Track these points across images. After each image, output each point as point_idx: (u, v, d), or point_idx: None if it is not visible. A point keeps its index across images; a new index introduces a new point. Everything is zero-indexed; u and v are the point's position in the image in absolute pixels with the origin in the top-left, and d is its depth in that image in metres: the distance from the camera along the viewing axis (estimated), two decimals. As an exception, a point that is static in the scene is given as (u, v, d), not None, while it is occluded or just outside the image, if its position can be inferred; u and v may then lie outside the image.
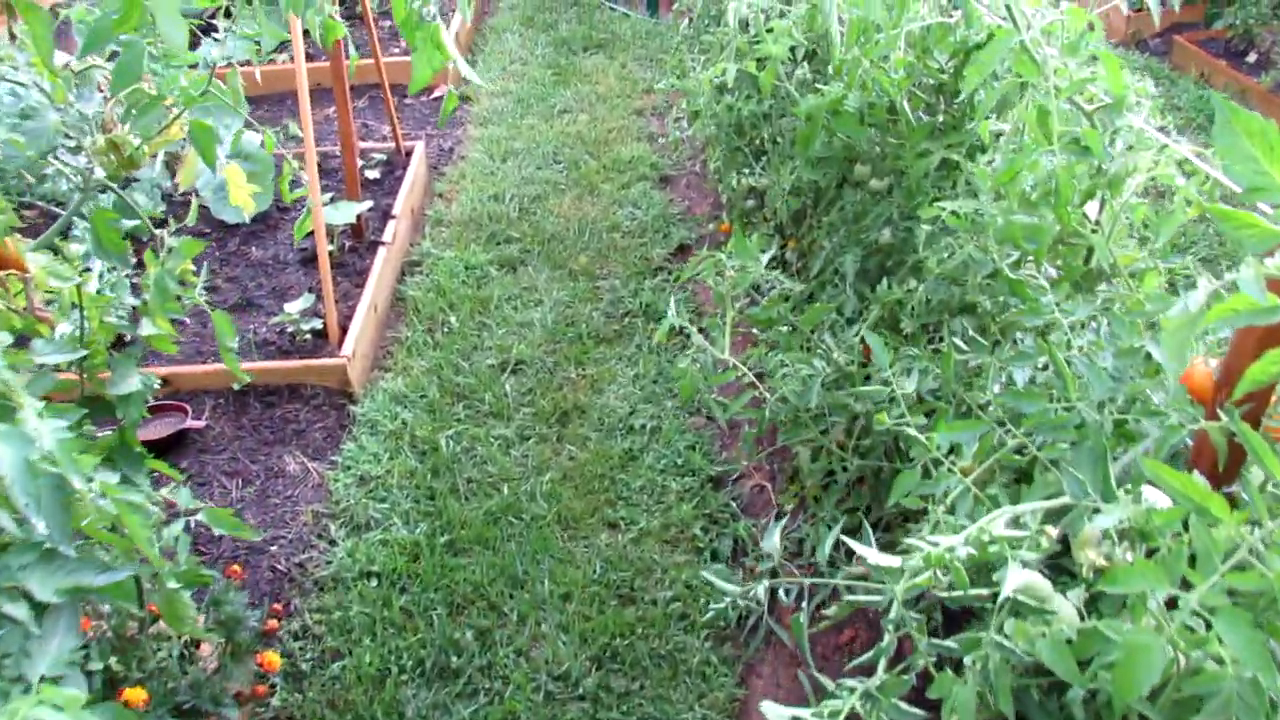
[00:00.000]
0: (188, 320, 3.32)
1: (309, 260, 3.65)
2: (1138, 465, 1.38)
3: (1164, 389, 1.45)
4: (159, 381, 2.02)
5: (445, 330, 3.47)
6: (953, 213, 1.87)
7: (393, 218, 3.83)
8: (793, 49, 2.47)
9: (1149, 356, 1.49)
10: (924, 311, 1.98)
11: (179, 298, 1.90)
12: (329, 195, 3.79)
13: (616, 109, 4.97)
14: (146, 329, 1.89)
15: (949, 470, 1.54)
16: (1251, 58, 4.87)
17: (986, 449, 1.52)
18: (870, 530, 1.72)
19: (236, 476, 2.89)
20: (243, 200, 2.35)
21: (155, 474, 1.94)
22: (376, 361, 3.36)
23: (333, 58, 3.52)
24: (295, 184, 2.75)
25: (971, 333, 1.89)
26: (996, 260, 1.82)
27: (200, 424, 3.02)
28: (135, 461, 1.84)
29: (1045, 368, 1.66)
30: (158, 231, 1.90)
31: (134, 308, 2.67)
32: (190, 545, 1.98)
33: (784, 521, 2.58)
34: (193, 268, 1.94)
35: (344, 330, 3.24)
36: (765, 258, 2.24)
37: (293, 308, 3.31)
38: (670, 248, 3.89)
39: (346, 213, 3.52)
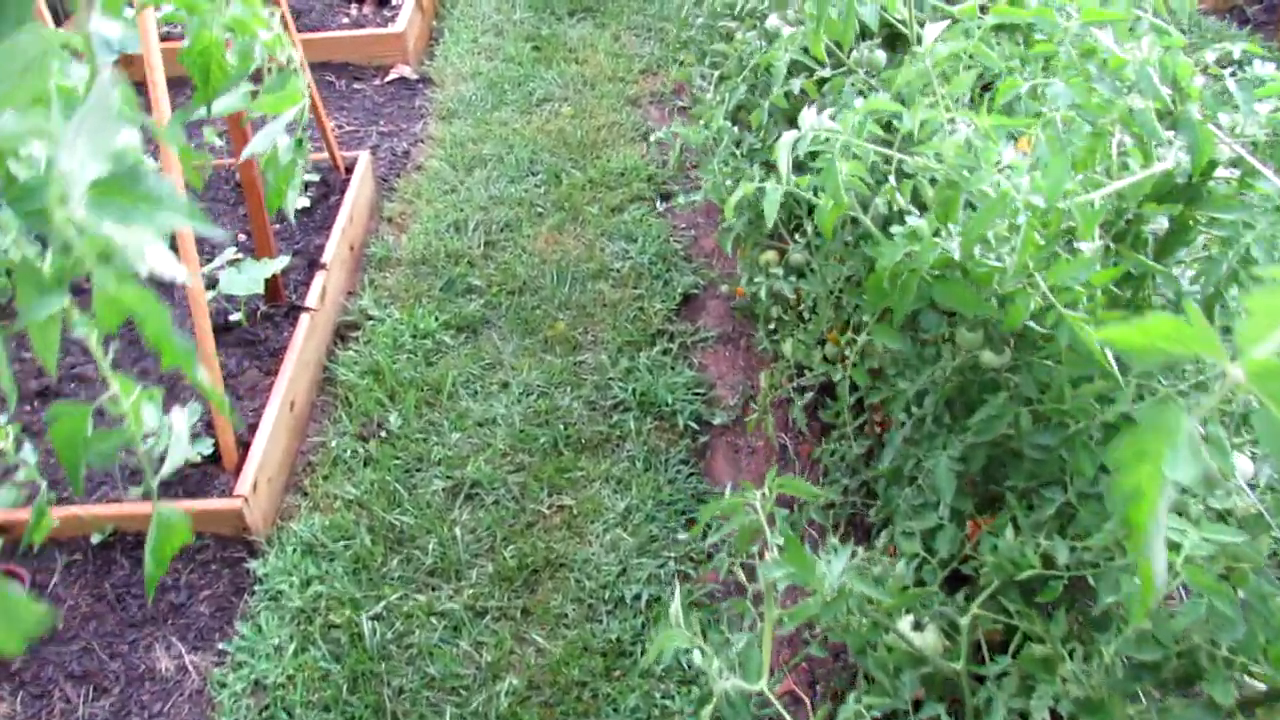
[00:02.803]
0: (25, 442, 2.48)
1: (215, 333, 2.78)
2: None
3: None
4: None
5: (383, 435, 2.63)
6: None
7: (321, 268, 2.95)
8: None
9: None
10: (1121, 678, 1.14)
11: None
12: (231, 250, 2.90)
13: (607, 97, 4.03)
14: None
15: None
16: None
17: None
18: None
19: (87, 681, 2.09)
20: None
21: None
22: (291, 481, 2.54)
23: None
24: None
25: None
26: None
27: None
28: None
29: None
30: None
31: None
32: None
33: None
34: None
35: (246, 448, 2.41)
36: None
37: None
38: (672, 301, 3.02)
39: (252, 278, 2.66)
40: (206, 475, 2.40)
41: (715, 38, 2.77)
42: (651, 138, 3.64)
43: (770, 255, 2.28)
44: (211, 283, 2.75)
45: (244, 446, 2.42)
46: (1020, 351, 1.40)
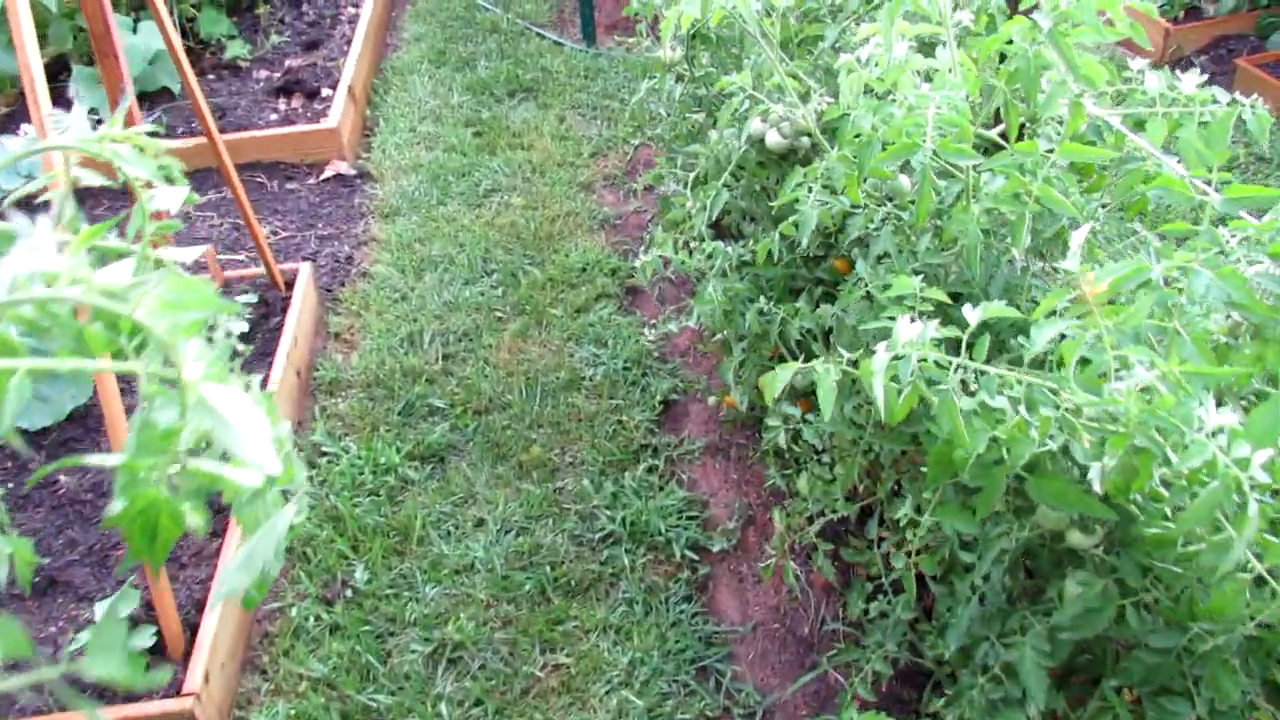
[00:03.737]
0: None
1: (146, 489, 2.48)
2: None
3: None
4: None
5: (349, 594, 2.34)
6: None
7: (267, 403, 2.66)
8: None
9: None
10: None
11: None
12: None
13: (558, 184, 3.81)
14: None
15: None
16: (1325, 79, 3.88)
17: None
18: None
19: None
20: None
21: None
22: (248, 658, 2.23)
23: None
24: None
25: None
26: None
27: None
28: None
29: None
30: None
31: None
32: None
33: None
34: None
35: (194, 631, 2.10)
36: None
37: (124, 607, 2.16)
38: (652, 410, 2.79)
39: (191, 429, 2.35)
40: (150, 667, 2.08)
41: (682, 132, 2.57)
42: (630, 261, 3.42)
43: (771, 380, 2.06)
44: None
45: (191, 629, 2.11)
46: (1124, 532, 1.19)
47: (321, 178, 3.94)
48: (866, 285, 1.45)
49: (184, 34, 4.60)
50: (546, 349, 3.04)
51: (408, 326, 3.13)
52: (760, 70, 1.85)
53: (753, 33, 1.58)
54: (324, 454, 2.69)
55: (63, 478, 2.53)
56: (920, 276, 1.31)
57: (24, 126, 2.91)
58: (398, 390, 2.90)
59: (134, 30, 4.23)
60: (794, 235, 1.55)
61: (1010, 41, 1.27)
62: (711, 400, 2.73)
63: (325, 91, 4.28)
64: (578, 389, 2.89)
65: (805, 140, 1.94)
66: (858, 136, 1.30)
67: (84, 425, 2.66)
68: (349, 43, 4.68)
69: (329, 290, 3.35)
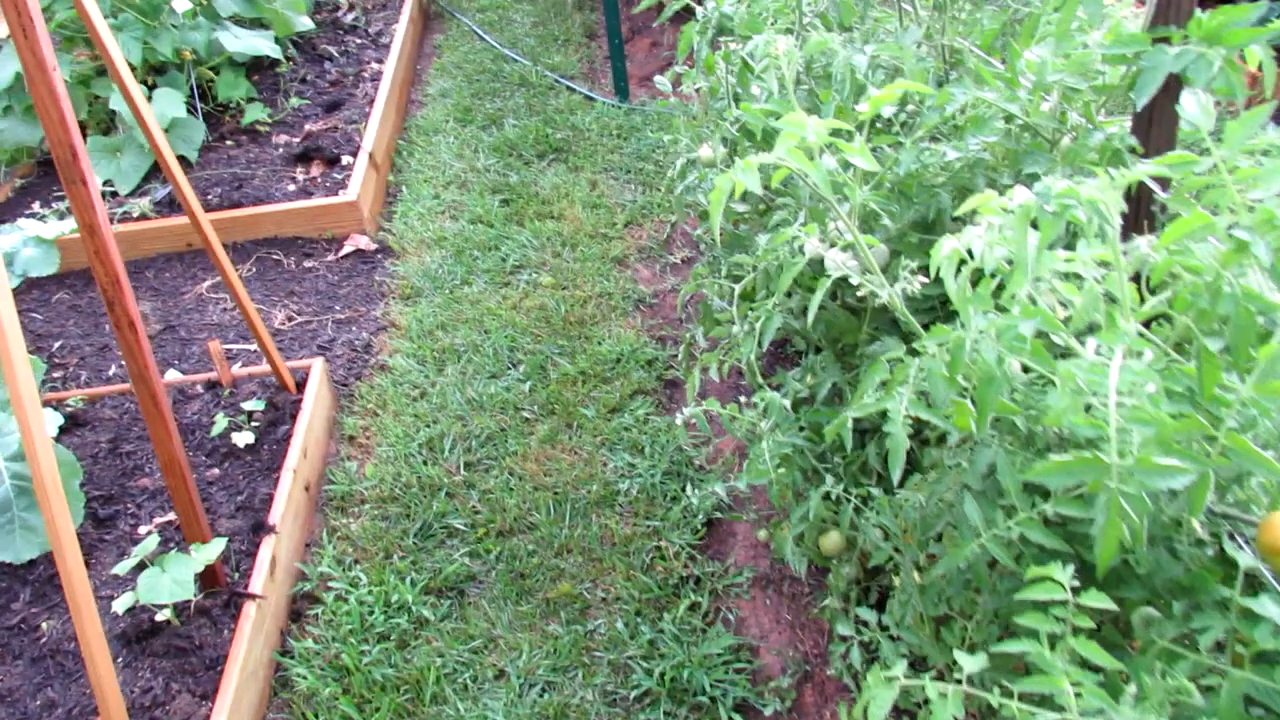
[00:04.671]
0: None
1: (136, 640, 2.21)
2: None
3: None
4: None
5: (353, 768, 2.07)
6: None
7: (270, 531, 2.40)
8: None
9: None
10: None
11: None
12: (152, 540, 2.34)
13: (590, 259, 3.54)
14: None
15: None
16: None
17: None
18: None
19: None
20: None
21: None
22: None
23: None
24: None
25: None
26: None
27: None
28: None
29: None
30: None
31: None
32: None
33: None
34: None
35: (174, 825, 1.84)
36: None
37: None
38: (693, 532, 2.49)
39: (179, 579, 2.11)
40: None
41: (730, 239, 2.28)
42: (667, 349, 3.14)
43: (834, 540, 1.76)
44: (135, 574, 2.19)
45: (173, 824, 1.85)
46: None
47: (340, 254, 3.70)
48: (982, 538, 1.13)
49: (202, 98, 4.40)
50: (577, 457, 2.75)
51: (427, 431, 2.86)
52: (832, 237, 1.56)
53: (827, 199, 1.28)
54: (331, 587, 2.42)
55: (44, 624, 2.28)
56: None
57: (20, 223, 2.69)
58: (414, 508, 2.63)
59: (149, 98, 4.03)
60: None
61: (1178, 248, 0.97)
62: (762, 534, 2.42)
63: (346, 159, 4.04)
64: (611, 506, 2.60)
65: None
66: (971, 356, 1.00)
67: (71, 559, 2.41)
68: (371, 103, 4.45)
69: (344, 385, 3.09)
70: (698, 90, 2.18)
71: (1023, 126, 1.55)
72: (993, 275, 1.05)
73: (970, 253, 1.05)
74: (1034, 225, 1.04)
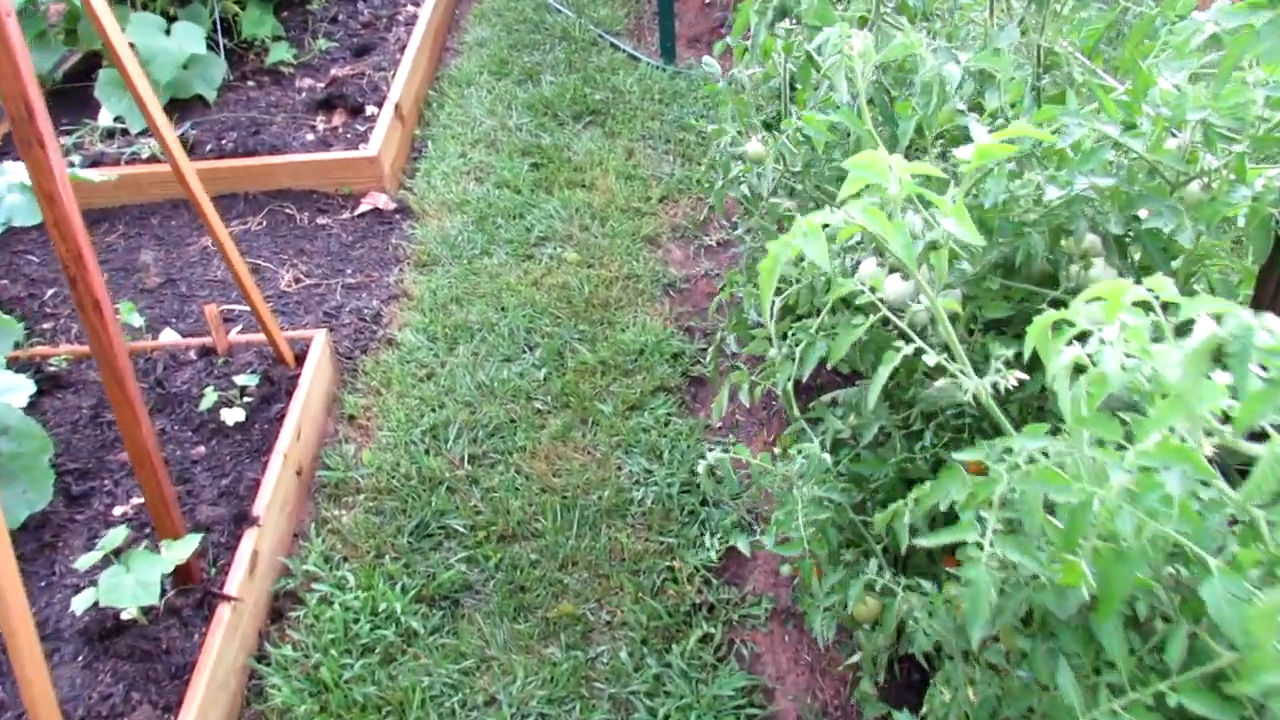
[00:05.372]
0: None
1: (99, 638, 2.03)
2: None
3: None
4: None
5: (321, 798, 1.89)
6: None
7: (253, 523, 2.21)
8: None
9: None
10: None
11: None
12: (120, 530, 2.14)
13: (620, 236, 3.29)
14: None
15: None
16: None
17: None
18: None
19: None
20: None
21: None
22: None
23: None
24: None
25: None
26: None
27: None
28: None
29: None
30: None
31: None
32: None
33: None
34: None
35: None
36: None
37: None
38: (710, 553, 2.27)
39: (143, 580, 1.92)
40: None
41: (770, 223, 2.02)
42: (695, 342, 2.89)
43: (870, 609, 1.53)
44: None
45: None
46: None
47: (357, 212, 3.47)
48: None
49: (226, 32, 4.15)
50: (590, 457, 2.53)
51: (432, 416, 2.65)
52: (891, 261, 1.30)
53: (909, 269, 1.02)
54: (315, 589, 2.23)
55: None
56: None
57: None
58: (412, 503, 2.43)
59: (167, 32, 3.79)
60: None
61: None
62: (785, 570, 2.20)
63: (370, 110, 3.80)
64: (623, 516, 2.38)
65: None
66: (1083, 497, 0.77)
67: (38, 538, 2.24)
68: (403, 49, 4.19)
69: (349, 358, 2.88)
70: (750, 76, 1.91)
71: (1135, 159, 1.29)
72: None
73: (1092, 359, 0.80)
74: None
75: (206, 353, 2.73)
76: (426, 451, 2.56)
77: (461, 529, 2.36)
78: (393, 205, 3.51)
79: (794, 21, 1.68)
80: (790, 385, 1.66)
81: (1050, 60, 1.57)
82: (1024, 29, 1.52)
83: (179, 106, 3.86)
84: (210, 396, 2.53)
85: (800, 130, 1.64)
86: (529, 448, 2.56)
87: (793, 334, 1.71)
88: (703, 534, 2.33)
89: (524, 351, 2.86)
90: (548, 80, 4.18)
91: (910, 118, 1.34)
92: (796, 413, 1.66)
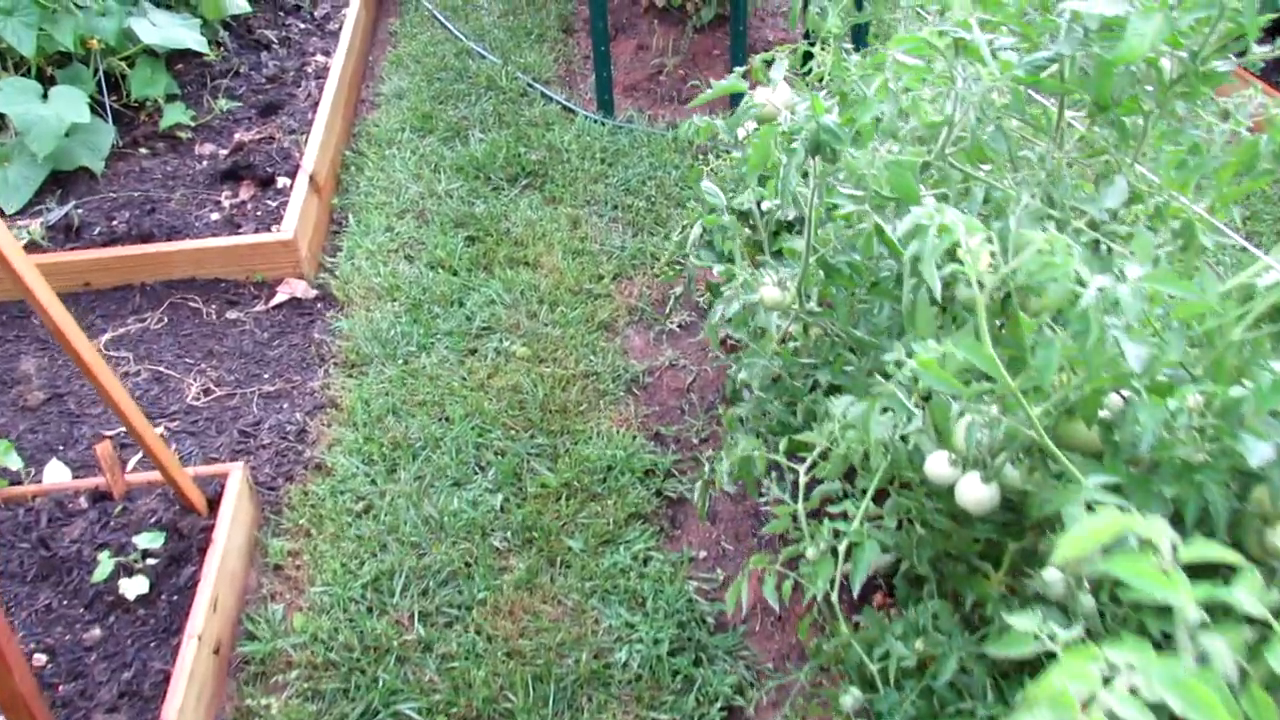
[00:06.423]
0: None
1: None
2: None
3: None
4: None
5: None
6: None
7: (162, 737, 1.80)
8: None
9: None
10: None
11: None
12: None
13: (572, 323, 2.94)
14: None
15: None
16: None
17: None
18: None
19: None
20: None
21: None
22: None
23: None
24: None
25: None
26: None
27: None
28: None
29: None
30: None
31: None
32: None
33: None
34: None
35: None
36: None
37: None
38: (709, 716, 1.95)
39: None
40: None
41: (782, 404, 1.70)
42: (667, 454, 2.56)
43: None
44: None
45: None
46: None
47: (272, 303, 3.05)
48: None
49: (113, 91, 3.68)
50: (562, 609, 2.19)
51: (373, 564, 2.27)
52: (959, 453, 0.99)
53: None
54: (243, 812, 1.84)
55: None
56: None
57: None
58: (354, 680, 2.05)
59: (44, 96, 3.31)
60: None
61: None
62: (780, 647, 1.89)
63: (282, 181, 3.38)
64: (605, 685, 2.04)
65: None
66: None
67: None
68: (315, 106, 3.77)
69: (271, 489, 2.48)
70: (758, 205, 1.59)
71: None
72: None
73: None
74: None
75: (100, 497, 2.30)
76: (369, 610, 2.18)
77: (416, 715, 1.99)
78: (313, 293, 3.10)
79: (832, 162, 1.36)
80: (835, 598, 1.35)
81: (1134, 194, 1.28)
82: (1106, 166, 1.23)
83: (61, 182, 3.39)
84: (106, 565, 2.11)
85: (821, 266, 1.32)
86: (489, 600, 2.20)
87: (830, 523, 1.40)
88: (699, 703, 2.00)
89: (475, 473, 2.50)
90: (477, 137, 3.81)
91: (1048, 348, 1.01)
92: (845, 628, 1.35)
